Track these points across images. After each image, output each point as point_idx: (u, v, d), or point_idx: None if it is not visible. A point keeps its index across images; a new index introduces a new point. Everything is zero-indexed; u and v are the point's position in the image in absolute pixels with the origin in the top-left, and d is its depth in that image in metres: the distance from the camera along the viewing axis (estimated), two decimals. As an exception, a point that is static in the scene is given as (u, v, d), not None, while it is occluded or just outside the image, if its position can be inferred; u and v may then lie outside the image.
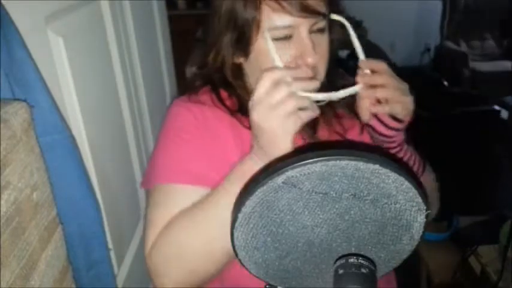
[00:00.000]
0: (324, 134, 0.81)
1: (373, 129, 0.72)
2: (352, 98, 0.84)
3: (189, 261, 0.67)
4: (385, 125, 0.70)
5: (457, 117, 2.22)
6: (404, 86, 0.67)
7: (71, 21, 0.75)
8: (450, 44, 3.87)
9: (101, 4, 0.90)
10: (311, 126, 0.80)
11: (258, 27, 0.67)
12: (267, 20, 0.66)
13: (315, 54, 0.67)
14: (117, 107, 0.98)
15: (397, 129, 0.70)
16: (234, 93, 0.78)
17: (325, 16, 0.68)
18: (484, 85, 3.38)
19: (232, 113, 0.77)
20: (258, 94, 0.59)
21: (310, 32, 0.68)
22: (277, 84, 0.59)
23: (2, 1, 0.52)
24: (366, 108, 0.68)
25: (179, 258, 0.67)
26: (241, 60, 0.73)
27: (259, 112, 0.59)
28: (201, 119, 0.76)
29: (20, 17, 0.56)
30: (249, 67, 0.74)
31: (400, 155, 0.75)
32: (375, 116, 0.70)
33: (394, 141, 0.73)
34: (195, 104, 0.77)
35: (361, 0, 3.79)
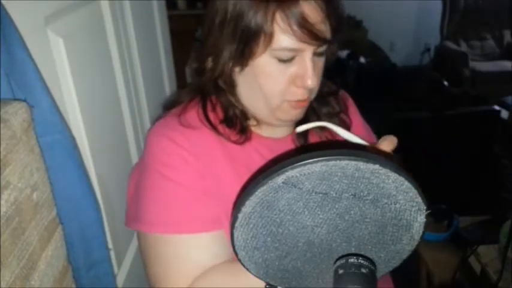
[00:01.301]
0: (314, 141, 0.81)
1: None
2: (339, 106, 0.84)
3: None
4: None
5: (457, 117, 2.22)
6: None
7: (71, 21, 0.75)
8: (450, 44, 3.88)
9: (101, 4, 0.90)
10: (303, 133, 0.80)
11: (265, 44, 0.65)
12: (275, 40, 0.65)
13: (316, 77, 0.67)
14: (117, 107, 0.98)
15: None
16: (222, 100, 0.75)
17: (331, 42, 0.68)
18: (484, 85, 3.39)
19: (216, 129, 0.73)
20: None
21: (313, 54, 0.67)
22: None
23: (2, 1, 0.52)
24: None
25: None
26: (236, 70, 0.71)
27: None
28: (187, 146, 0.71)
29: (20, 17, 0.56)
30: (242, 79, 0.71)
31: None
32: None
33: None
34: (182, 131, 0.72)
35: (361, 0, 3.80)
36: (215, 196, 0.71)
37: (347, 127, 0.84)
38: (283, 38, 0.64)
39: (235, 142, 0.74)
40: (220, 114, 0.76)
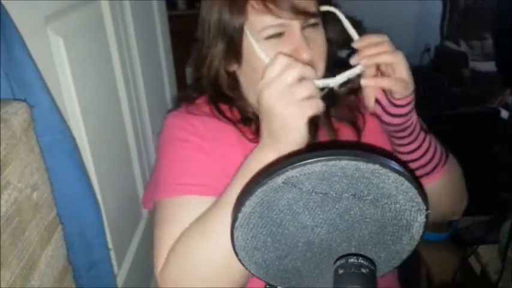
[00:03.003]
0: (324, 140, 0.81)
1: (381, 120, 0.69)
2: (348, 109, 0.82)
3: (204, 274, 0.63)
4: (389, 113, 0.67)
5: (457, 117, 2.21)
6: (403, 56, 0.64)
7: (71, 21, 0.75)
8: (450, 44, 3.87)
9: (101, 4, 0.90)
10: (313, 132, 0.79)
11: (248, 29, 0.66)
12: (255, 23, 0.65)
13: (310, 49, 0.66)
14: (117, 107, 0.98)
15: (402, 115, 0.67)
16: (234, 105, 0.77)
17: (315, 15, 0.67)
18: (484, 85, 3.38)
19: (235, 124, 0.75)
20: (270, 75, 0.56)
21: (303, 27, 0.66)
22: (290, 66, 0.55)
23: (2, 1, 0.52)
24: (369, 92, 0.66)
25: (194, 272, 0.64)
26: (234, 68, 0.72)
27: (271, 95, 0.55)
28: (203, 130, 0.74)
29: (20, 17, 0.56)
30: (243, 74, 0.73)
31: (418, 143, 0.71)
32: (379, 104, 0.67)
33: (406, 129, 0.69)
34: (194, 116, 0.76)
35: (361, 0, 3.80)
36: (220, 174, 0.72)
37: (358, 131, 0.81)
38: (262, 18, 0.65)
39: (251, 140, 0.74)
40: (237, 114, 0.77)
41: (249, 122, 0.76)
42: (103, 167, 0.83)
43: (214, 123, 0.75)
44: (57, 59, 0.69)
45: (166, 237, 0.68)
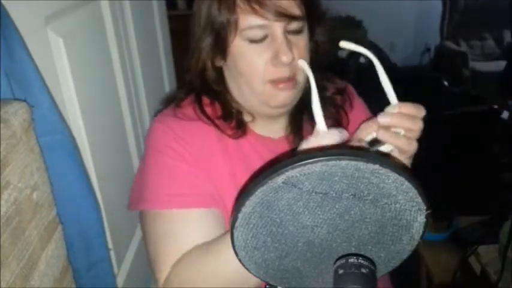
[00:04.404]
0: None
1: None
2: (335, 109, 0.83)
3: None
4: None
5: (457, 117, 2.21)
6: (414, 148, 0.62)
7: (71, 21, 0.75)
8: (450, 44, 3.87)
9: (101, 4, 0.90)
10: (299, 133, 0.80)
11: (234, 29, 0.68)
12: (241, 21, 0.67)
13: (290, 53, 0.67)
14: (117, 107, 0.98)
15: None
16: (217, 99, 0.78)
17: (299, 18, 0.68)
18: (484, 85, 3.38)
19: (213, 122, 0.76)
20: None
21: (287, 31, 0.68)
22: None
23: (2, 1, 0.52)
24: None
25: None
26: (221, 63, 0.74)
27: None
28: (186, 137, 0.74)
29: (20, 17, 0.56)
30: (228, 70, 0.74)
31: None
32: None
33: None
34: (179, 121, 0.76)
35: (361, 0, 3.80)
36: (211, 185, 0.73)
37: (343, 126, 0.81)
38: (247, 18, 0.67)
39: (230, 136, 0.76)
40: (218, 110, 0.78)
41: (230, 117, 0.77)
42: (103, 167, 0.83)
43: (196, 126, 0.75)
44: (57, 59, 0.69)
45: (167, 253, 0.70)
